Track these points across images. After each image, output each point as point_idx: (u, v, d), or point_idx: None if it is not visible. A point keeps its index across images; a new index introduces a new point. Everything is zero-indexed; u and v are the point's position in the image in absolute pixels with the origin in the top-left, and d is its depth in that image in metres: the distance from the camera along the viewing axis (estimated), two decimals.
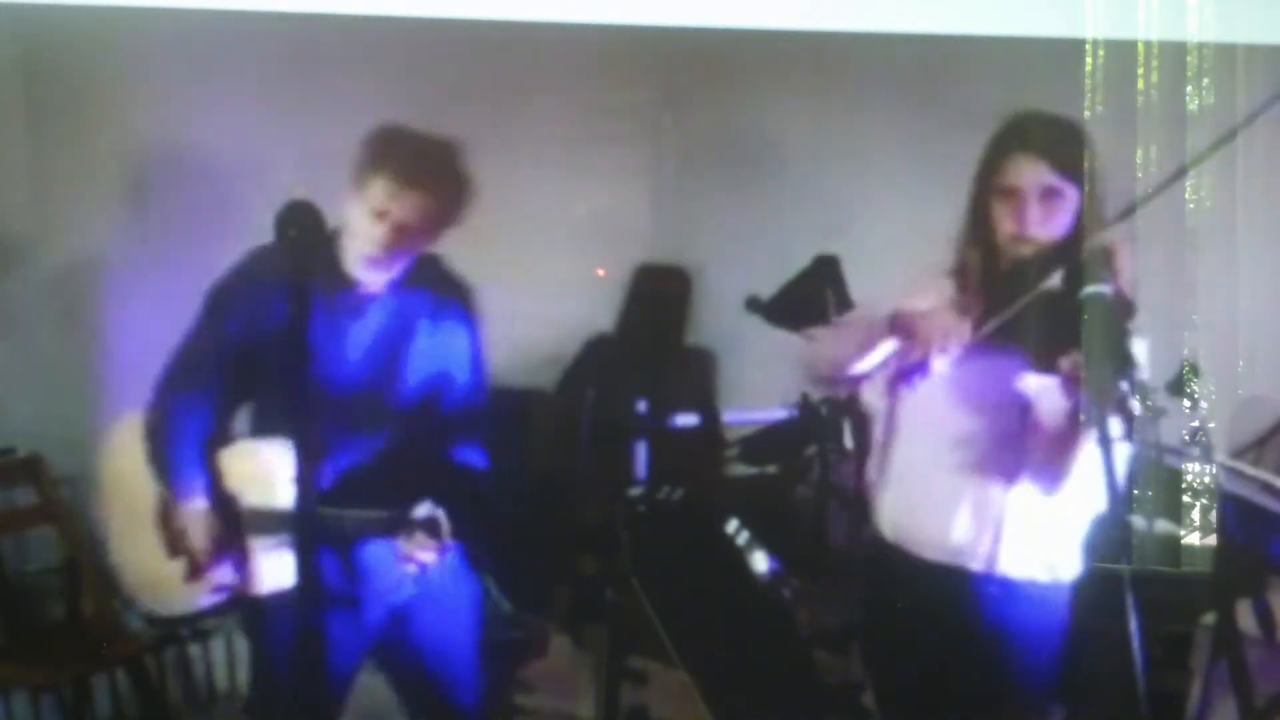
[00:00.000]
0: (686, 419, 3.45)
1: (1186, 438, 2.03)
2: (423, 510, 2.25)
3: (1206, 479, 2.56)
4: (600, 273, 3.71)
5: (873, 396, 2.28)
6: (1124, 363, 1.88)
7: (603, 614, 2.86)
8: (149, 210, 3.28)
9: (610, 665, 2.83)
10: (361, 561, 2.35)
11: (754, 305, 3.46)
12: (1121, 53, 2.33)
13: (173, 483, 2.35)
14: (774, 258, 3.60)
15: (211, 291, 2.35)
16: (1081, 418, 1.96)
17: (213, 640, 3.32)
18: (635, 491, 3.17)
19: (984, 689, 2.18)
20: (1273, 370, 2.92)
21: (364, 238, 2.27)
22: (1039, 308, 2.01)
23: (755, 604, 2.99)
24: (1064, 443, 2.02)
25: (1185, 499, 2.38)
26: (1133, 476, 2.08)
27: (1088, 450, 1.97)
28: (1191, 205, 2.35)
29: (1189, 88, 2.32)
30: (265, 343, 2.27)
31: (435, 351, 2.39)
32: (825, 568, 3.39)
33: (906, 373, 2.11)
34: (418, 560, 2.28)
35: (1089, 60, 2.33)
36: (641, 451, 3.31)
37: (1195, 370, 2.64)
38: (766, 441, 3.50)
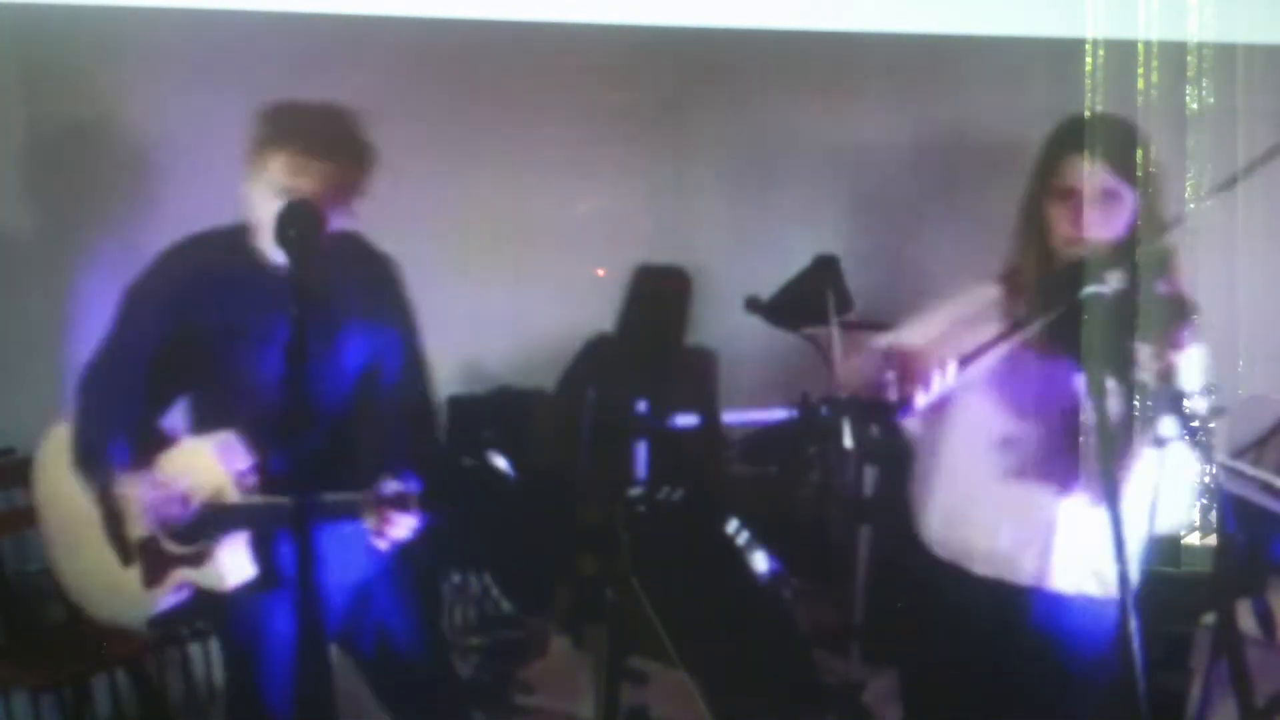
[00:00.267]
0: (686, 419, 3.45)
1: (1187, 438, 2.02)
2: (389, 486, 2.22)
3: (1207, 479, 2.55)
4: (600, 273, 3.71)
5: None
6: (1173, 367, 1.88)
7: (603, 614, 2.85)
8: (149, 210, 3.28)
9: (610, 665, 2.83)
10: (323, 546, 2.32)
11: (754, 305, 3.46)
12: (1121, 53, 2.33)
13: (105, 485, 2.32)
14: (774, 258, 3.60)
15: (130, 292, 2.32)
16: (1135, 424, 1.94)
17: (213, 640, 3.32)
18: (635, 491, 3.17)
19: (1028, 703, 2.16)
20: (1273, 370, 2.91)
21: (272, 219, 2.18)
22: (1093, 310, 1.99)
23: (755, 604, 2.99)
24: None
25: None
26: (1198, 486, 2.05)
27: (1143, 460, 1.96)
28: (1191, 205, 2.34)
29: (1189, 88, 2.31)
30: (196, 339, 2.26)
31: (365, 327, 2.35)
32: (825, 568, 3.39)
33: (897, 408, 2.10)
34: (388, 536, 2.23)
35: (1089, 60, 2.33)
36: (641, 451, 3.31)
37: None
38: (766, 441, 3.50)
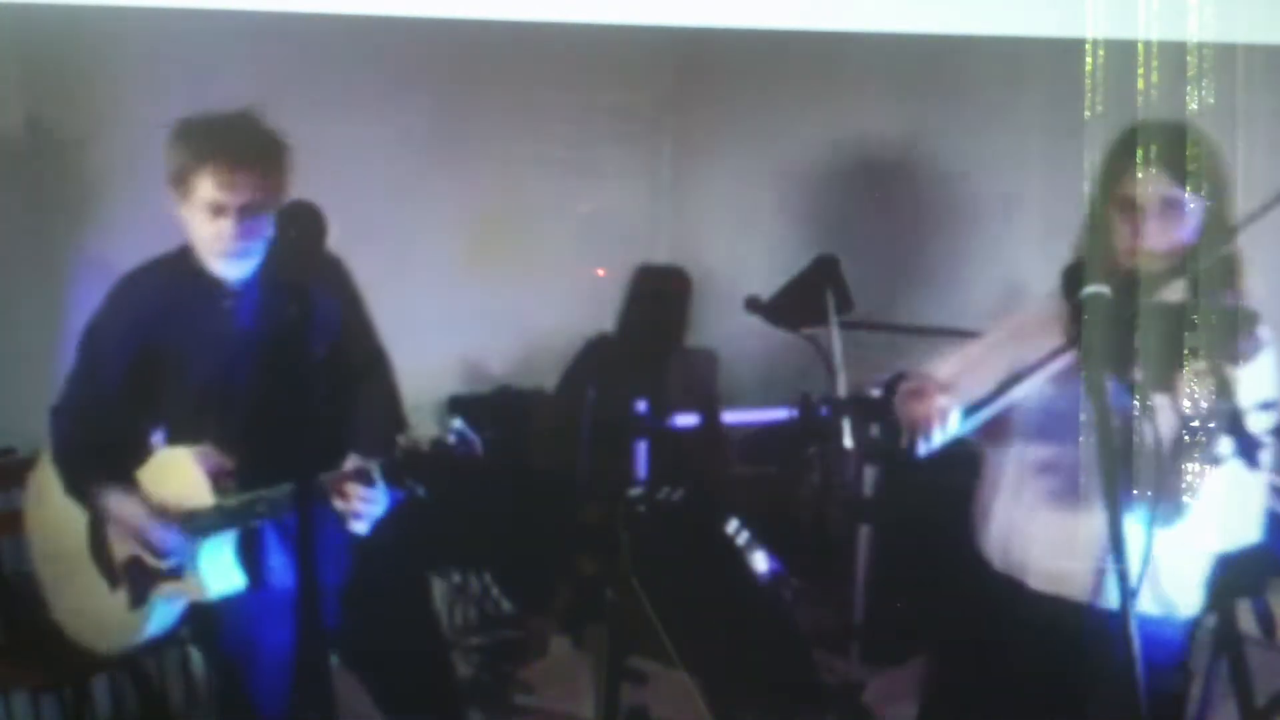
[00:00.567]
0: (686, 419, 3.45)
1: (1187, 439, 2.01)
2: (350, 463, 2.22)
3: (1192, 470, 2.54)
4: (600, 273, 3.71)
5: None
6: (1230, 383, 1.86)
7: (603, 614, 2.85)
8: (147, 211, 3.28)
9: (610, 665, 2.83)
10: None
11: (754, 305, 3.46)
12: (1121, 53, 2.32)
13: (93, 510, 2.37)
14: (774, 258, 3.60)
15: (90, 328, 2.39)
16: (1195, 440, 1.91)
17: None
18: (635, 491, 3.17)
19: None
20: None
21: (212, 237, 2.27)
22: (1155, 322, 1.97)
23: (755, 604, 2.99)
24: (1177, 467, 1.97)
25: (1169, 491, 2.37)
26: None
27: (1209, 479, 1.93)
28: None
29: (1189, 88, 2.31)
30: (159, 360, 2.32)
31: (321, 329, 2.37)
32: (825, 568, 3.39)
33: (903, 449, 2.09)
34: (356, 513, 2.23)
35: (1089, 60, 2.33)
36: (641, 451, 3.31)
37: None
38: (766, 441, 3.50)
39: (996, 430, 2.17)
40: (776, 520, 3.27)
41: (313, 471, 2.19)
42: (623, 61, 3.43)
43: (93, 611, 2.46)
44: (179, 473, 2.32)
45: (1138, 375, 1.97)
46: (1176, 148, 2.04)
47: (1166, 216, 2.02)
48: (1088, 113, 2.28)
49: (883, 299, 3.64)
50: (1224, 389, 1.86)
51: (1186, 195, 2.02)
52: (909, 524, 3.22)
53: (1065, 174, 2.36)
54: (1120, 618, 1.90)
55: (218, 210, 2.25)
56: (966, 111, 3.63)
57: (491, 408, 3.59)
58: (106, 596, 2.42)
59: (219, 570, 2.32)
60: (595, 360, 3.59)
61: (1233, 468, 1.90)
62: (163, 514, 2.33)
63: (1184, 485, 1.98)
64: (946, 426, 2.02)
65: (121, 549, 2.40)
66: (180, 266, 2.34)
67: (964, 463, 2.33)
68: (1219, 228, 2.03)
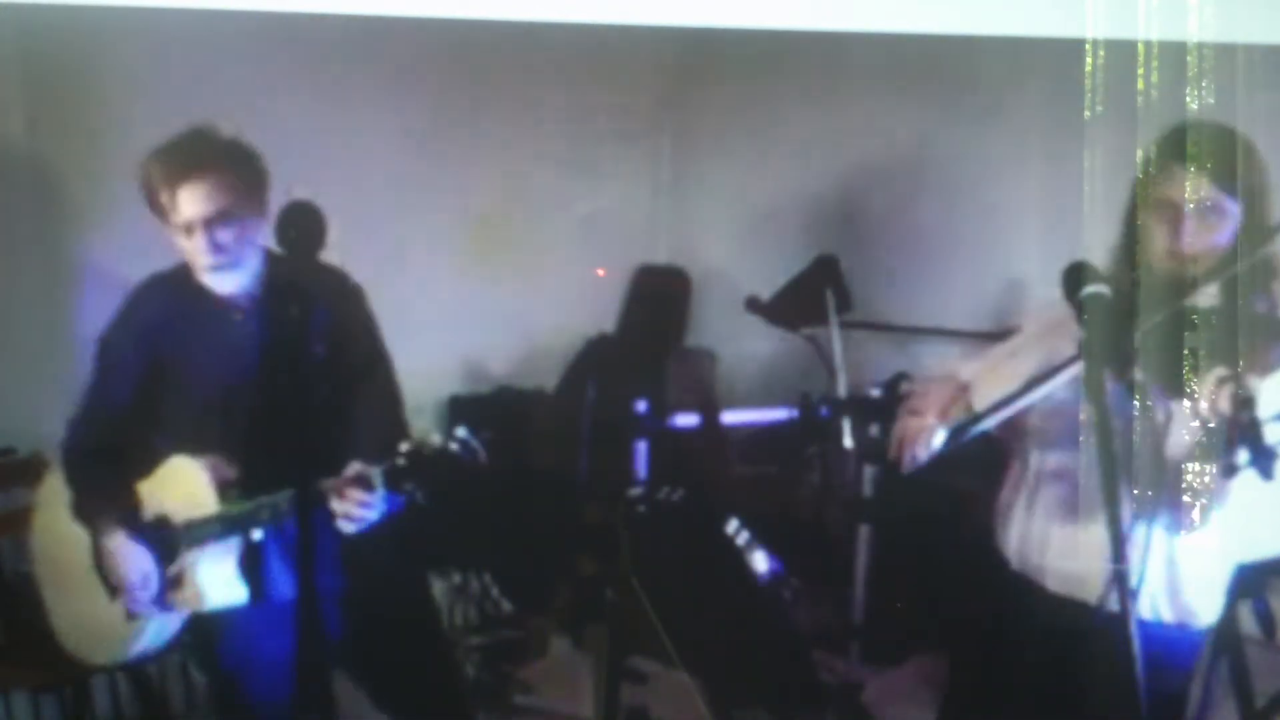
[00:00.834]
0: (686, 419, 3.45)
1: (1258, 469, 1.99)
2: (351, 469, 2.22)
3: (1206, 479, 2.54)
4: (600, 273, 3.71)
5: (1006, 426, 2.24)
6: (1253, 392, 1.84)
7: (603, 614, 2.85)
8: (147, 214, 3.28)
9: (610, 665, 2.83)
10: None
11: (754, 305, 3.47)
12: (1121, 53, 2.32)
13: (100, 524, 2.38)
14: (774, 258, 3.60)
15: (102, 340, 2.41)
16: (1211, 447, 1.90)
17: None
18: (635, 491, 3.17)
19: None
20: None
21: (192, 254, 2.28)
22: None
23: (755, 604, 2.99)
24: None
25: (1185, 499, 2.37)
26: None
27: (1230, 486, 1.92)
28: (1191, 205, 2.34)
29: (1189, 88, 2.31)
30: (167, 371, 2.34)
31: (325, 336, 2.37)
32: (825, 568, 3.39)
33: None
34: (355, 516, 2.22)
35: (1089, 60, 2.33)
36: (641, 451, 3.31)
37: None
38: (766, 441, 3.50)
39: (1016, 431, 2.18)
40: (776, 520, 3.27)
41: (314, 477, 2.20)
42: (623, 61, 3.43)
43: (90, 621, 2.47)
44: (184, 482, 2.33)
45: (1139, 376, 1.96)
46: (1214, 149, 2.02)
47: (1203, 219, 2.01)
48: (1088, 113, 2.28)
49: (883, 299, 3.65)
50: (1245, 398, 1.85)
51: (1224, 197, 2.00)
52: (910, 524, 3.22)
53: (1065, 174, 2.36)
54: (1121, 619, 1.89)
55: (188, 228, 2.26)
56: (967, 111, 3.63)
57: (491, 408, 3.59)
58: (105, 606, 2.42)
59: (219, 582, 2.32)
60: (595, 360, 3.59)
61: (1250, 477, 1.89)
62: (165, 523, 2.34)
63: (1192, 491, 1.97)
64: (931, 448, 2.06)
65: (120, 564, 2.40)
66: (181, 280, 2.35)
67: (965, 463, 2.33)
68: (1257, 232, 2.01)
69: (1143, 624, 2.04)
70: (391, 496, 2.22)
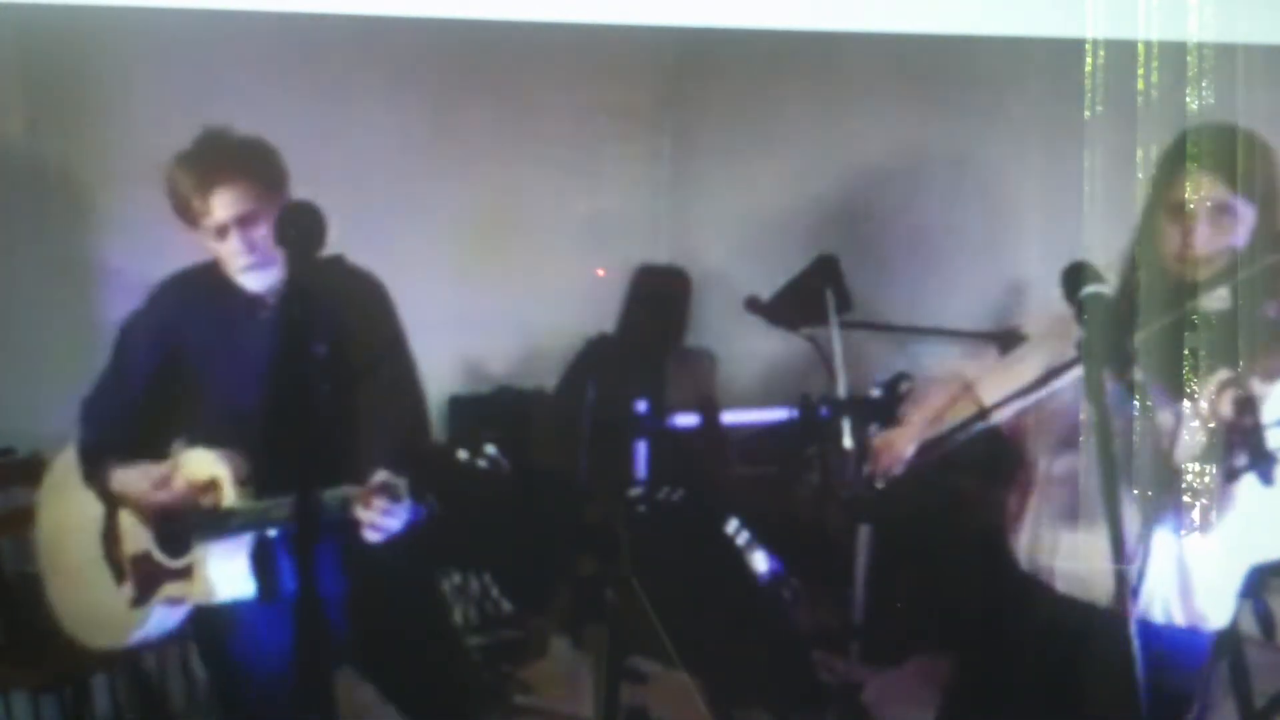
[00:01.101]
0: (686, 419, 3.45)
1: (1187, 439, 2.00)
2: (378, 477, 2.22)
3: (1206, 479, 2.55)
4: (600, 273, 3.71)
5: (1014, 428, 2.24)
6: (1256, 397, 1.83)
7: (603, 614, 2.85)
8: (147, 209, 3.28)
9: (610, 665, 2.83)
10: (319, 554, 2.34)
11: (754, 305, 3.46)
12: (1121, 53, 2.32)
13: (109, 500, 2.40)
14: (774, 258, 3.60)
15: (124, 327, 2.43)
16: (1212, 451, 1.90)
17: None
18: (635, 491, 3.17)
19: None
20: None
21: (228, 256, 2.30)
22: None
23: (755, 604, 2.99)
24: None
25: (1185, 499, 2.37)
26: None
27: (1239, 490, 1.91)
28: (1192, 205, 2.34)
29: (1189, 88, 2.31)
30: (186, 363, 2.36)
31: (349, 338, 2.38)
32: (825, 568, 3.39)
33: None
34: (379, 526, 2.23)
35: (1089, 60, 2.33)
36: (641, 451, 3.31)
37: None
38: (766, 441, 3.50)
39: (1022, 431, 2.18)
40: (776, 520, 3.27)
41: (333, 481, 2.21)
42: (623, 61, 3.43)
43: (94, 606, 2.47)
44: (200, 475, 2.33)
45: (1139, 376, 1.96)
46: (1229, 152, 2.01)
47: (1217, 222, 2.00)
48: (1088, 113, 2.28)
49: (883, 299, 3.64)
50: (1248, 402, 1.85)
51: (1239, 200, 1.99)
52: (911, 524, 3.22)
53: (1065, 174, 2.36)
54: (1121, 619, 1.89)
55: (221, 230, 2.28)
56: (966, 111, 3.63)
57: (492, 408, 3.59)
58: (110, 592, 2.43)
59: (228, 575, 2.33)
60: (595, 360, 3.59)
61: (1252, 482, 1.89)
62: (178, 516, 2.35)
63: (1194, 492, 1.97)
64: (904, 459, 2.15)
65: (133, 544, 2.42)
66: (209, 275, 2.37)
67: (966, 463, 2.34)
68: (1270, 235, 2.00)
69: (1151, 626, 2.06)
70: (415, 506, 2.23)
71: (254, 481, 2.31)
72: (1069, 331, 2.07)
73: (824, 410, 3.24)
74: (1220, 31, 2.33)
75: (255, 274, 2.32)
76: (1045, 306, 2.24)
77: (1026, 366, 2.17)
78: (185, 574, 2.37)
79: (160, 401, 2.39)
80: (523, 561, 3.40)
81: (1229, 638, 2.66)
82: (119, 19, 2.97)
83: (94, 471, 2.42)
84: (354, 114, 3.29)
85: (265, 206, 2.28)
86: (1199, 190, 2.00)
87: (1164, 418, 2.00)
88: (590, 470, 3.21)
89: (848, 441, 3.20)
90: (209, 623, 2.42)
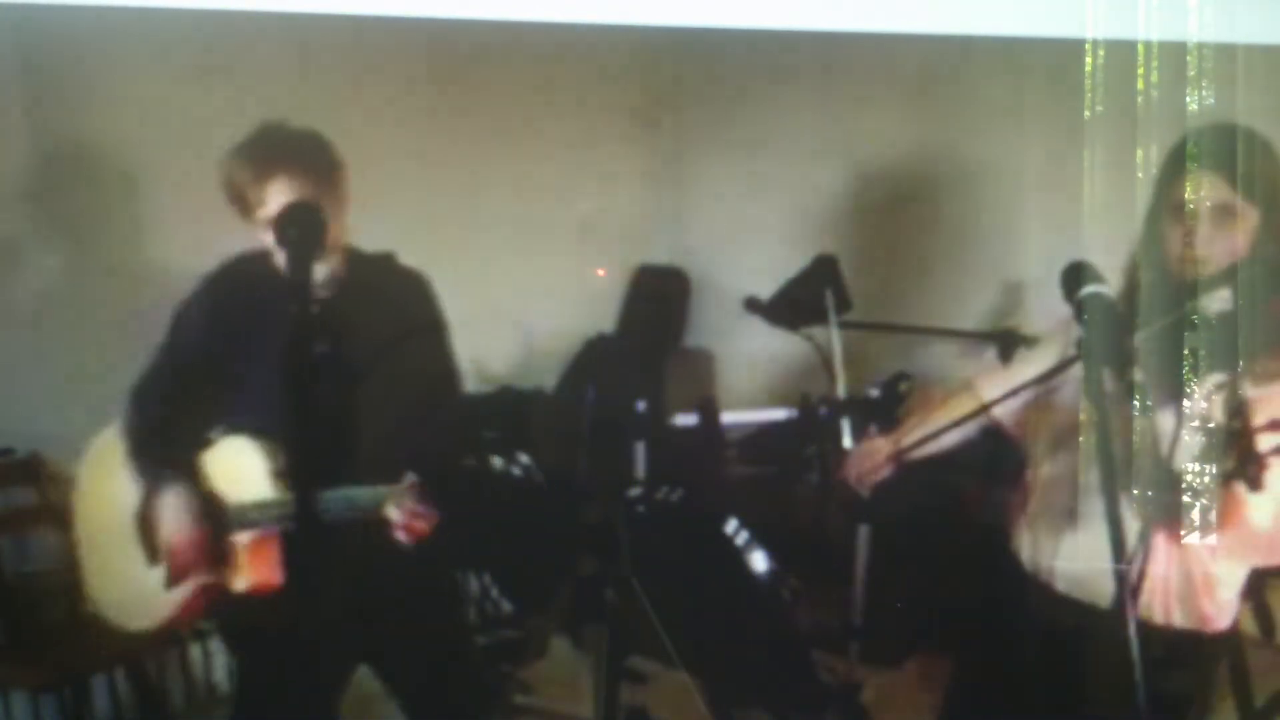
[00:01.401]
0: (686, 419, 3.45)
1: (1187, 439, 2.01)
2: (410, 480, 2.25)
3: (1206, 479, 2.55)
4: (600, 273, 3.71)
5: (1016, 425, 2.25)
6: (1248, 400, 1.84)
7: (603, 614, 2.85)
8: (148, 209, 3.28)
9: (610, 665, 2.83)
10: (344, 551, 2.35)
11: (754, 305, 3.46)
12: (1121, 53, 2.32)
13: (152, 483, 2.39)
14: (774, 258, 3.60)
15: (177, 312, 2.42)
16: (1202, 454, 1.89)
17: (213, 640, 3.32)
18: (635, 491, 3.17)
19: None
20: None
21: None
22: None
23: (755, 604, 2.99)
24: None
25: (1185, 499, 2.38)
26: None
27: (1240, 492, 1.91)
28: (1192, 205, 2.35)
29: (1189, 88, 2.31)
30: (236, 351, 2.36)
31: (395, 338, 2.40)
32: (825, 568, 3.39)
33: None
34: (413, 529, 2.25)
35: (1089, 60, 2.33)
36: (641, 451, 3.31)
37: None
38: (766, 441, 3.50)
39: (1024, 430, 2.19)
40: (776, 520, 3.27)
41: (366, 479, 2.23)
42: (622, 61, 3.43)
43: (127, 587, 2.48)
44: (238, 464, 2.35)
45: (1138, 377, 1.97)
46: (1232, 152, 2.00)
47: (1219, 223, 1.99)
48: (1088, 113, 2.28)
49: (883, 299, 3.64)
50: (1237, 406, 1.85)
51: (1242, 201, 1.99)
52: (911, 524, 3.22)
53: (1065, 174, 2.36)
54: (1120, 620, 1.89)
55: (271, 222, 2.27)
56: (966, 111, 3.63)
57: (492, 408, 3.58)
58: (143, 573, 2.44)
59: (260, 566, 2.34)
60: (595, 360, 3.59)
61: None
62: (215, 503, 2.36)
63: (1193, 492, 1.97)
64: (880, 476, 2.21)
65: (166, 528, 2.42)
66: (262, 264, 2.36)
67: (967, 463, 2.34)
68: (1270, 236, 2.00)
69: (1150, 626, 2.05)
70: (445, 511, 2.26)
71: (290, 474, 2.31)
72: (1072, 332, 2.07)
73: (824, 410, 3.24)
74: (1220, 31, 2.33)
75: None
76: (1047, 307, 2.25)
77: (1033, 369, 2.18)
78: (217, 560, 2.38)
79: (204, 388, 2.40)
80: (523, 561, 3.40)
81: (1229, 638, 2.66)
82: (119, 19, 2.97)
83: (139, 460, 2.42)
84: (353, 114, 3.28)
85: (320, 198, 2.29)
86: (1200, 191, 1.99)
87: (1163, 418, 2.00)
88: (590, 470, 3.21)
89: (848, 441, 3.21)
90: (236, 611, 2.42)
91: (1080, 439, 2.08)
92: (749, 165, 3.79)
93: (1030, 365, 2.21)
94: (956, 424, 2.21)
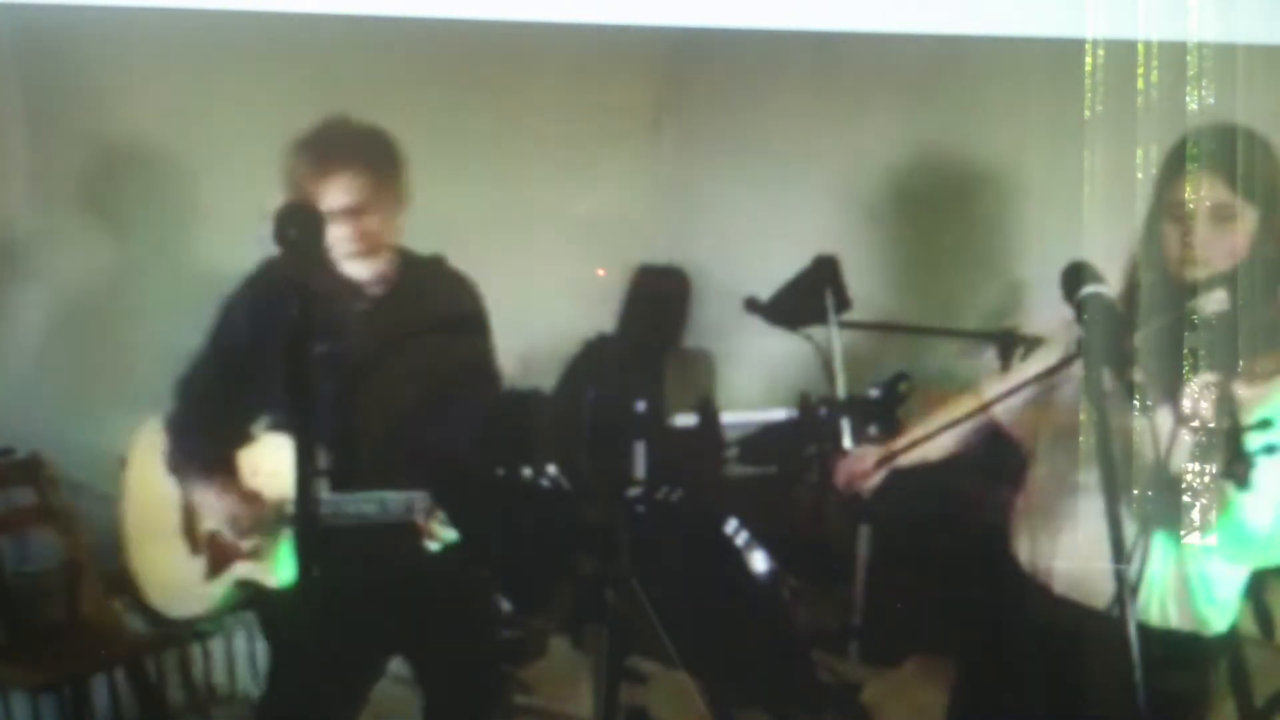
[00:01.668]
0: (686, 419, 3.45)
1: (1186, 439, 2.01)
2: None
3: (1206, 479, 2.55)
4: (600, 273, 3.71)
5: (1017, 426, 2.24)
6: (1243, 399, 1.84)
7: (603, 614, 2.85)
8: (149, 210, 3.28)
9: (610, 665, 2.83)
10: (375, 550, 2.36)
11: (754, 305, 3.46)
12: (1121, 53, 2.32)
13: (192, 478, 2.42)
14: (774, 258, 3.60)
15: (225, 305, 2.43)
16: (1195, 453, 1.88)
17: (212, 640, 3.32)
18: (634, 491, 3.16)
19: None
20: None
21: (335, 240, 2.30)
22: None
23: (755, 604, 2.99)
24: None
25: (1185, 499, 2.38)
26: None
27: (1234, 493, 1.90)
28: (1191, 206, 2.35)
29: (1189, 88, 2.31)
30: (277, 346, 2.31)
31: (440, 344, 2.41)
32: (825, 568, 3.39)
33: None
34: (437, 535, 2.29)
35: (1089, 60, 2.33)
36: (641, 452, 3.31)
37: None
38: (766, 441, 3.50)
39: (1025, 430, 2.19)
40: (776, 520, 3.27)
41: (401, 483, 2.25)
42: (622, 61, 3.43)
43: (170, 574, 2.51)
44: (279, 460, 2.34)
45: (1138, 377, 1.97)
46: (1231, 153, 1.99)
47: (1217, 225, 1.99)
48: (1088, 113, 2.28)
49: (883, 299, 3.64)
50: (1227, 404, 1.85)
51: (1241, 202, 1.98)
52: (911, 524, 3.22)
53: (1065, 174, 2.36)
54: (1120, 620, 1.89)
55: (332, 217, 2.26)
56: (966, 111, 3.63)
57: (491, 407, 3.58)
58: (185, 563, 2.47)
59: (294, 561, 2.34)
60: (595, 360, 3.59)
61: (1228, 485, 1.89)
62: (253, 499, 2.37)
63: (1192, 492, 1.97)
64: (870, 485, 2.22)
65: (207, 520, 2.45)
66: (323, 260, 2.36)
67: (967, 463, 2.34)
68: (1270, 236, 1.99)
69: (1150, 628, 2.05)
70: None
71: (328, 475, 2.31)
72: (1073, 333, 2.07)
73: (823, 411, 3.24)
74: (1220, 31, 2.33)
75: (359, 262, 2.33)
76: (1047, 307, 2.25)
77: (1034, 371, 2.18)
78: (254, 555, 2.41)
79: (249, 382, 2.40)
80: (523, 561, 3.40)
81: (1229, 638, 2.66)
82: (118, 19, 2.97)
83: (178, 461, 2.44)
84: (353, 114, 3.29)
85: (378, 196, 2.31)
86: (1199, 191, 1.99)
87: (1162, 418, 2.00)
88: (590, 470, 3.21)
89: (847, 442, 3.20)
90: (272, 605, 2.45)
91: (1080, 439, 2.08)
92: (749, 165, 3.79)
93: (1032, 369, 2.21)
94: (953, 425, 2.21)
